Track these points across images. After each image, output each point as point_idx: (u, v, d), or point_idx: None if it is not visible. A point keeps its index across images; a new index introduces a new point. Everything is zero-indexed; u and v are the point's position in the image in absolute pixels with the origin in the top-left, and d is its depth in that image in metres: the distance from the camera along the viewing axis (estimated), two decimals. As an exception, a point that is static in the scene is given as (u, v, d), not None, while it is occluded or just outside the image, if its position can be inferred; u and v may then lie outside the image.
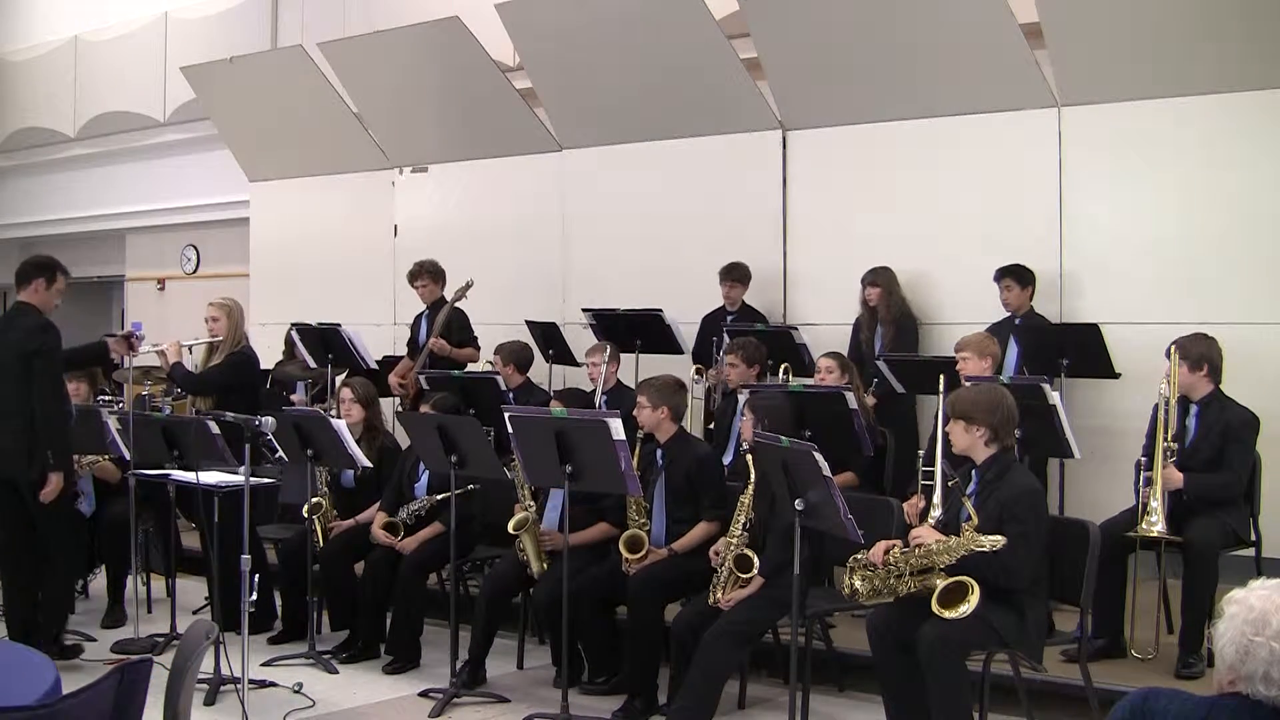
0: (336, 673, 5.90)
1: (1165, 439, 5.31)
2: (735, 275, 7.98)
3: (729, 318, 7.93)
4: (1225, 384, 5.46)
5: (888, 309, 7.41)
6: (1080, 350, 6.55)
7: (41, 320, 5.76)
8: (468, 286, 7.92)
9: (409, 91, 9.77)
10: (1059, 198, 7.23)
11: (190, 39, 12.31)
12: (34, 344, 5.64)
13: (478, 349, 8.09)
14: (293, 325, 8.55)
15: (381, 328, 9.97)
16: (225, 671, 5.41)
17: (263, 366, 9.02)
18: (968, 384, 5.21)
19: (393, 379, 8.03)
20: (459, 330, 8.05)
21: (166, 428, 6.20)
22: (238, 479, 5.37)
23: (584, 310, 8.17)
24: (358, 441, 6.22)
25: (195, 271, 13.35)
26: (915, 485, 5.14)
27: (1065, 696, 4.99)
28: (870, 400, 6.70)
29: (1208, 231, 6.83)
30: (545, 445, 5.05)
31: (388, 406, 7.96)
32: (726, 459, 6.51)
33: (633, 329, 7.87)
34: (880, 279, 7.44)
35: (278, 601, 6.53)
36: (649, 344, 7.91)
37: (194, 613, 6.63)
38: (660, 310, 7.78)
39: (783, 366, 7.11)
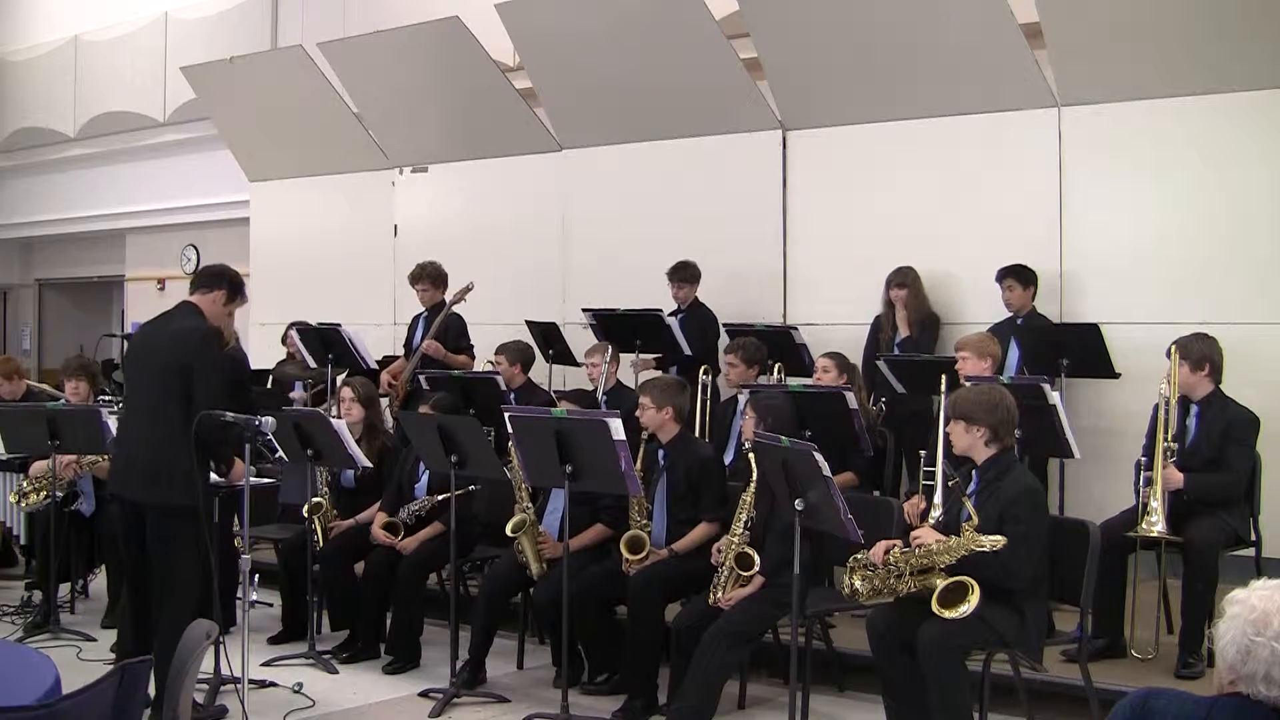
0: (336, 673, 5.90)
1: (1165, 439, 5.31)
2: (683, 275, 7.94)
3: (679, 316, 7.87)
4: (1226, 384, 5.46)
5: (914, 309, 7.40)
6: (1080, 350, 6.54)
7: (205, 327, 5.16)
8: (467, 289, 7.87)
9: (409, 91, 9.77)
10: (1059, 198, 7.22)
11: (190, 39, 12.32)
12: (197, 358, 5.03)
13: (472, 357, 8.05)
14: (292, 325, 8.54)
15: (381, 328, 9.97)
16: (225, 671, 5.40)
17: (258, 366, 9.05)
18: (967, 384, 5.21)
19: (385, 376, 8.02)
20: (455, 336, 8.00)
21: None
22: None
23: (584, 310, 8.14)
24: (358, 441, 6.22)
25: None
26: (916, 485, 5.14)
27: (1065, 696, 4.99)
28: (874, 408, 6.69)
29: (1208, 231, 6.83)
30: (545, 445, 5.05)
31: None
32: (727, 459, 6.51)
33: (633, 329, 7.85)
34: (907, 279, 7.40)
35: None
36: (649, 344, 7.89)
37: (194, 613, 6.63)
38: (660, 310, 7.75)
39: (775, 365, 7.10)
